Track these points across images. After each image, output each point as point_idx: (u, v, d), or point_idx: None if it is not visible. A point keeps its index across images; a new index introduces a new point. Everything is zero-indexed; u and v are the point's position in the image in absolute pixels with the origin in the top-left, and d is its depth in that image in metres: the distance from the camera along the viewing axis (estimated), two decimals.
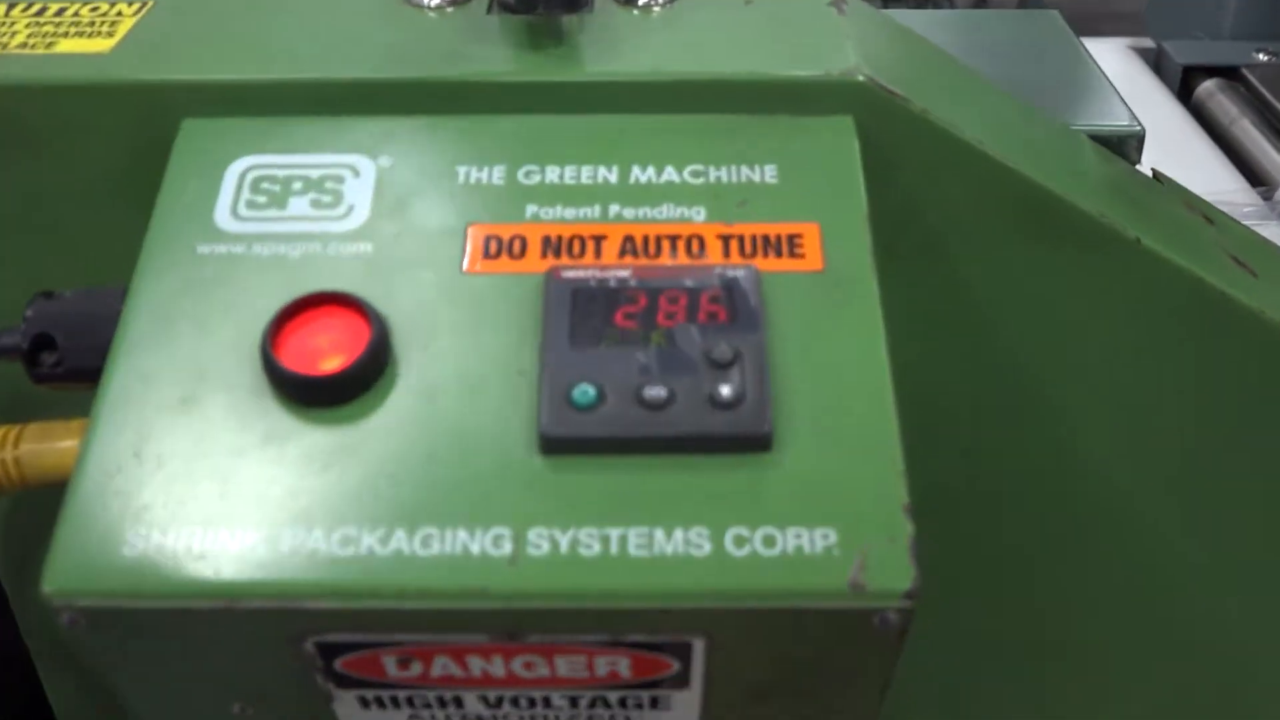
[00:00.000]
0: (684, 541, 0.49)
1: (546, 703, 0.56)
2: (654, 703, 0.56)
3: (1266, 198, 1.20)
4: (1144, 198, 0.74)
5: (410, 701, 0.56)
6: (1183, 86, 1.48)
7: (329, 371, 0.52)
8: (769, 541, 0.48)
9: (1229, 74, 1.47)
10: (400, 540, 0.49)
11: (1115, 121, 0.81)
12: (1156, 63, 1.54)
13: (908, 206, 0.66)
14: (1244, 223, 0.82)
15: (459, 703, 0.56)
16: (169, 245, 0.58)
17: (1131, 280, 0.68)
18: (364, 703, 0.56)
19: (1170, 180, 0.82)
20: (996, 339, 0.71)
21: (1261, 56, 1.47)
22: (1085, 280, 0.69)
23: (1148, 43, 1.57)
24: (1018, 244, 0.67)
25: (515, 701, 0.56)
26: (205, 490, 0.50)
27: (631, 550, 0.48)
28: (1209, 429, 0.74)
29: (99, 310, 0.59)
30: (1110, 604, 0.82)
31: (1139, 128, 0.81)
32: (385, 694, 0.55)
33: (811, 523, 0.49)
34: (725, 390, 0.51)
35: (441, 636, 0.50)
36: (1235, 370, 0.72)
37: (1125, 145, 0.81)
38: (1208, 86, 1.45)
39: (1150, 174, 0.81)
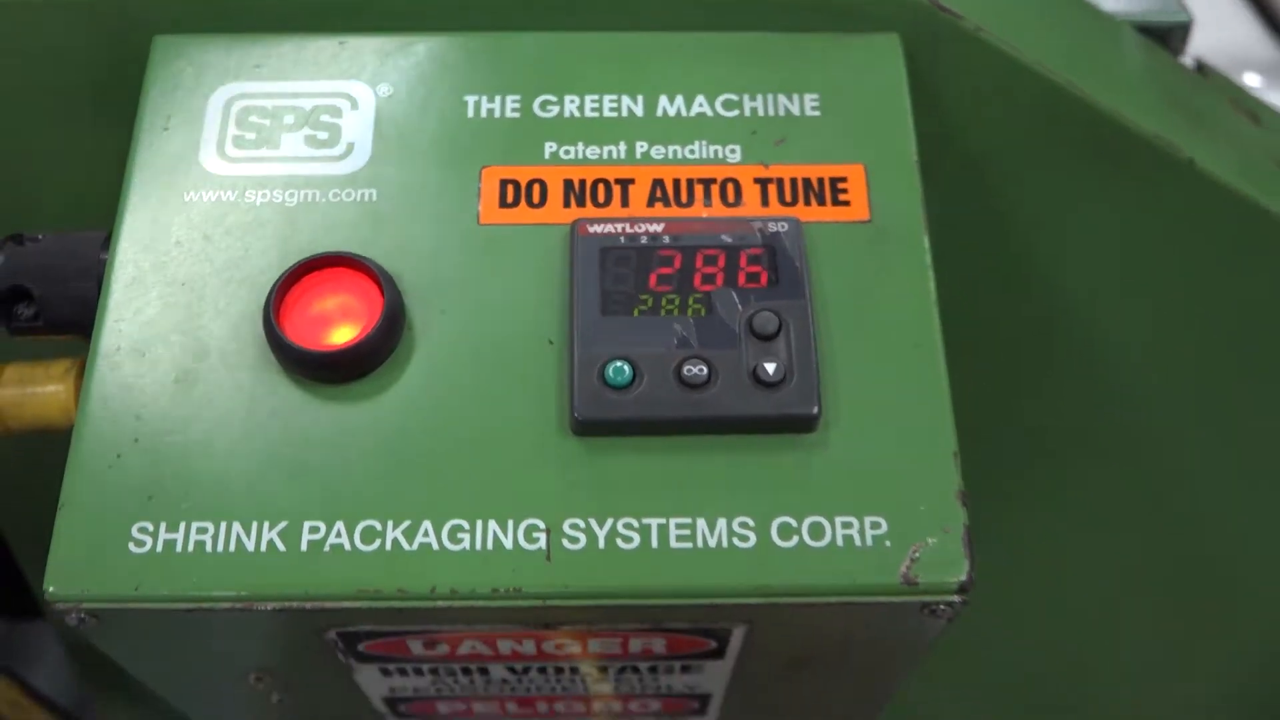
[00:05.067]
0: (728, 533, 0.46)
1: (574, 670, 0.54)
2: (685, 669, 0.54)
3: None
4: (1192, 104, 0.70)
5: (434, 670, 0.54)
6: None
7: (340, 346, 0.48)
8: (816, 532, 0.46)
9: None
10: (427, 534, 0.46)
11: (1163, 11, 0.75)
12: None
13: (946, 131, 0.61)
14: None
15: (484, 671, 0.54)
16: (153, 192, 0.52)
17: (1181, 202, 0.64)
18: (385, 672, 0.54)
19: (1215, 73, 0.76)
20: (1036, 267, 0.67)
21: None
22: (1135, 203, 0.65)
23: None
24: (1069, 169, 0.63)
25: (543, 669, 0.54)
26: (212, 480, 0.47)
27: (673, 543, 0.46)
28: (1251, 346, 0.72)
29: (77, 259, 0.54)
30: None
31: (1186, 16, 0.75)
32: (409, 666, 0.53)
33: (861, 511, 0.46)
34: (770, 367, 0.48)
35: (471, 627, 0.48)
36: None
37: (1172, 36, 0.75)
38: None
39: (1195, 65, 0.76)
